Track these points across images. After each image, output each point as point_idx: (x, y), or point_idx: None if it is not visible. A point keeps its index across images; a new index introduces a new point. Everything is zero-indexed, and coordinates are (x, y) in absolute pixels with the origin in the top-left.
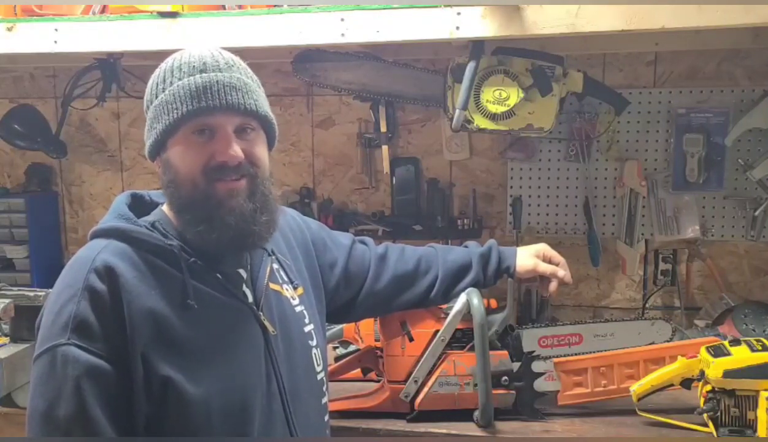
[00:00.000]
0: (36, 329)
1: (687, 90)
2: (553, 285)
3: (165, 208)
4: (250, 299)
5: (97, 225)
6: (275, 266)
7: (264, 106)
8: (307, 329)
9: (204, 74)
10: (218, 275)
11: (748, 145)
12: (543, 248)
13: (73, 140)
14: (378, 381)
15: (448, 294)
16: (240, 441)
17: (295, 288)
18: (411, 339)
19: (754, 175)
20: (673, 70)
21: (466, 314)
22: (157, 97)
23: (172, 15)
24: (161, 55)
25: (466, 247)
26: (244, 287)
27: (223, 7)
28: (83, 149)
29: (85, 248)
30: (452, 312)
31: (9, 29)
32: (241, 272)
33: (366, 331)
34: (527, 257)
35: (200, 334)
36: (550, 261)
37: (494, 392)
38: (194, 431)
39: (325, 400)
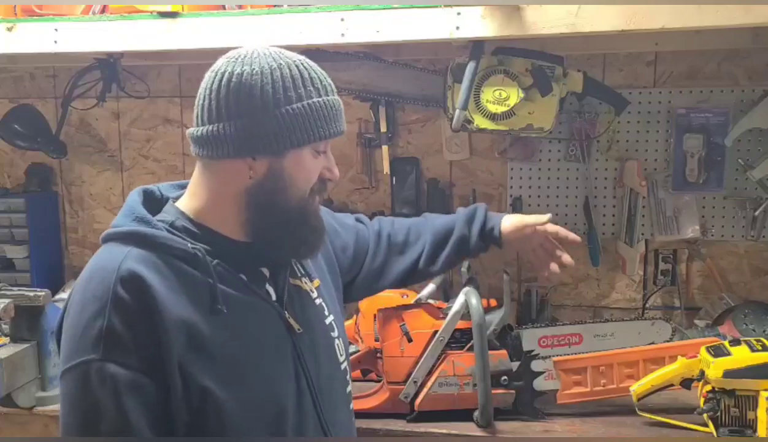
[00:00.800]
0: (57, 339)
1: (687, 90)
2: (553, 265)
3: (183, 203)
4: (274, 297)
5: (112, 227)
6: (293, 259)
7: None
8: (327, 321)
9: (333, 97)
10: (242, 275)
11: (748, 145)
12: (531, 219)
13: (73, 140)
14: (378, 382)
15: (437, 258)
16: (248, 440)
17: (311, 280)
18: (410, 340)
19: (754, 176)
20: (673, 70)
21: (465, 314)
22: (288, 103)
23: (172, 15)
24: (162, 55)
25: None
26: (267, 285)
27: (223, 7)
28: (83, 149)
29: (105, 255)
30: (451, 312)
31: (9, 29)
32: (264, 270)
33: (366, 331)
34: (512, 217)
35: (232, 339)
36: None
37: (494, 391)
38: (230, 434)
39: (349, 389)
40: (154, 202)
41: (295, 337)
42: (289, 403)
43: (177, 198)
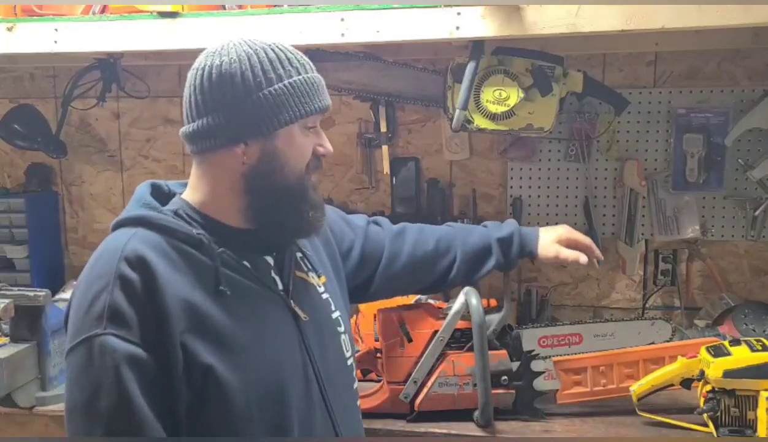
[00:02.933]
0: (64, 323)
1: (687, 90)
2: (582, 259)
3: (186, 196)
4: (280, 286)
5: (120, 215)
6: (298, 254)
7: None
8: (334, 315)
9: (314, 74)
10: (246, 263)
11: (748, 145)
12: (566, 232)
13: (73, 140)
14: (378, 382)
15: (469, 278)
16: (248, 440)
17: (318, 276)
18: (410, 340)
19: (754, 175)
20: (673, 70)
21: (465, 314)
22: (270, 85)
23: (172, 15)
24: (162, 55)
25: (485, 226)
26: (273, 274)
27: (223, 7)
28: (83, 149)
29: (111, 238)
30: (451, 312)
31: (9, 29)
32: (268, 259)
33: (366, 331)
34: (549, 244)
35: (235, 321)
36: (575, 245)
37: (494, 391)
38: (234, 418)
39: (356, 386)
40: (161, 196)
41: (301, 325)
42: (294, 389)
43: (183, 193)
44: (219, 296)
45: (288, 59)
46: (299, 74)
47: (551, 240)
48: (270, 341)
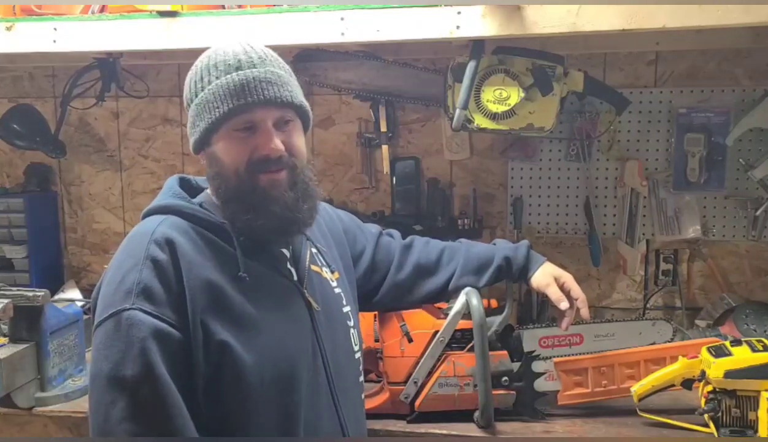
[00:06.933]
0: (93, 303)
1: (688, 90)
2: (565, 321)
3: (210, 192)
4: (295, 276)
5: (150, 204)
6: (313, 250)
7: (299, 95)
8: (345, 309)
9: (240, 72)
10: (264, 253)
11: (749, 144)
12: (566, 276)
13: (72, 140)
14: (378, 382)
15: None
16: (264, 441)
17: (332, 272)
18: (410, 340)
19: (755, 175)
20: (674, 70)
21: (466, 314)
22: (197, 95)
23: (172, 14)
24: (161, 54)
25: (494, 244)
26: (289, 266)
27: (223, 7)
28: (82, 149)
29: (142, 224)
30: (451, 313)
31: (8, 29)
32: (285, 251)
33: (366, 331)
34: (545, 275)
35: (251, 304)
36: (567, 292)
37: (494, 392)
38: (247, 395)
39: (361, 379)
40: (189, 189)
41: (313, 313)
42: (303, 373)
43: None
44: (238, 280)
45: (216, 63)
46: (217, 78)
47: (549, 273)
48: (283, 325)
